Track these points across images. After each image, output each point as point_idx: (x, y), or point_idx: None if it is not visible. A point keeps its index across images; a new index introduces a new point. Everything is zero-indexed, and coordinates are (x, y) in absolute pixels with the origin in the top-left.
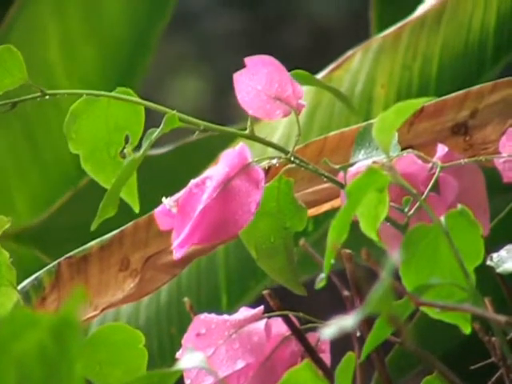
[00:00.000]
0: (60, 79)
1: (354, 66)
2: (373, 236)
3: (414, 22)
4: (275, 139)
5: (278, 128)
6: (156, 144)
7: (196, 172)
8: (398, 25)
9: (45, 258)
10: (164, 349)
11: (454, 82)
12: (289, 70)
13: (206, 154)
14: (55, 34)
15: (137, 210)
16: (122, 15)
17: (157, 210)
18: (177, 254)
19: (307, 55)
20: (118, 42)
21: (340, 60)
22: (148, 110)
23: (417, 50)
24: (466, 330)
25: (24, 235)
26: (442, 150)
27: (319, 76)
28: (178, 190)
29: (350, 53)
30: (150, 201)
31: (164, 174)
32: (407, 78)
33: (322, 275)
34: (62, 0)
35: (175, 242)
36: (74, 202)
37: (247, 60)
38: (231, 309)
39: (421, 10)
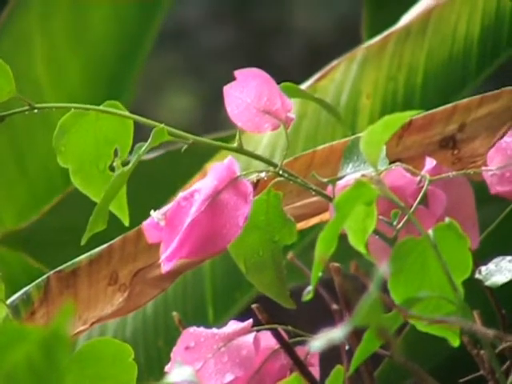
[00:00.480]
0: (46, 93)
1: (339, 76)
2: (361, 249)
3: (398, 32)
4: (260, 149)
5: (263, 138)
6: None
7: (185, 177)
8: (383, 35)
9: (32, 261)
10: (151, 361)
11: (438, 92)
12: (278, 84)
13: (195, 160)
14: (41, 49)
15: (126, 223)
16: (109, 30)
17: (145, 223)
18: (165, 267)
19: (297, 70)
20: (104, 57)
21: (325, 70)
22: (138, 124)
23: (402, 60)
24: (455, 343)
25: (11, 238)
26: (430, 163)
27: (304, 86)
28: (167, 195)
29: (334, 63)
30: (139, 206)
31: (153, 179)
32: (392, 88)
33: (310, 288)
34: (48, 14)
35: (163, 255)
36: (63, 205)
37: (237, 73)
38: (218, 321)
39: (405, 20)
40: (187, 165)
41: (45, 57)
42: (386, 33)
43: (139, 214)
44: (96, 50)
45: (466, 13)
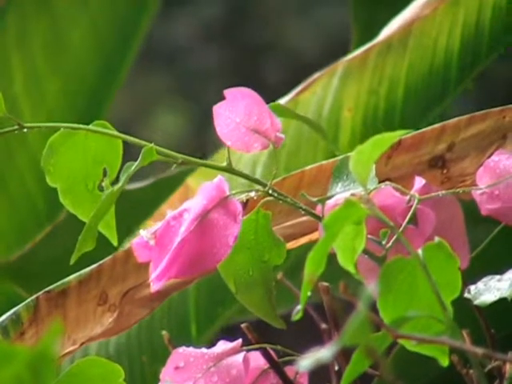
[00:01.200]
0: (24, 112)
1: (320, 90)
2: (350, 269)
3: (380, 45)
4: (241, 165)
5: (243, 155)
6: (134, 178)
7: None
8: (364, 48)
9: (23, 292)
10: (134, 377)
11: (419, 105)
12: (268, 103)
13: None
14: (19, 67)
15: (115, 243)
16: (88, 48)
17: (134, 242)
18: (154, 287)
19: (287, 90)
20: (82, 76)
21: (306, 83)
22: (127, 145)
23: (383, 74)
24: (444, 362)
25: (1, 270)
26: (419, 182)
27: (286, 99)
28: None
29: (316, 76)
30: (128, 234)
31: (142, 208)
32: (374, 101)
33: (299, 307)
34: (27, 33)
35: (153, 274)
36: (52, 236)
37: (226, 92)
38: (201, 336)
39: (386, 33)
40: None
41: (23, 75)
42: (366, 46)
43: (127, 241)
44: (75, 68)
45: (447, 26)
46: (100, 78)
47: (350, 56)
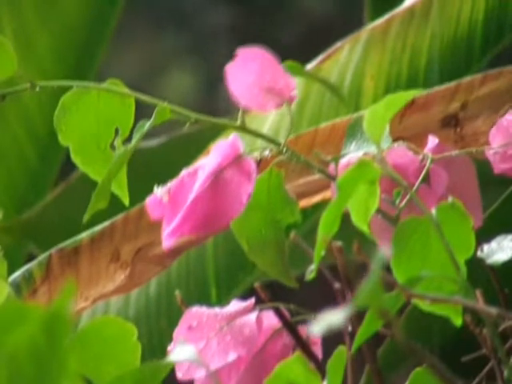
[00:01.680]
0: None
1: (342, 58)
2: (364, 228)
3: (402, 13)
4: (265, 130)
5: (268, 119)
6: (147, 137)
7: (187, 165)
8: (387, 16)
9: (36, 251)
10: (153, 342)
11: (442, 74)
12: (281, 63)
13: (197, 148)
14: (9, 23)
15: (126, 202)
16: (78, 1)
17: (148, 200)
18: (166, 244)
19: (299, 50)
20: (72, 29)
21: (329, 51)
22: (139, 106)
23: (406, 42)
24: (457, 322)
25: (15, 229)
26: (432, 141)
27: (308, 67)
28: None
29: (338, 44)
30: (141, 194)
31: (155, 168)
32: (396, 69)
33: (312, 267)
34: None
35: (165, 231)
36: (65, 195)
37: (239, 52)
38: (221, 301)
39: (409, 1)
40: (189, 153)
41: (12, 31)
42: (390, 14)
43: (140, 203)
44: (65, 22)
45: None
46: (90, 31)
47: (372, 24)
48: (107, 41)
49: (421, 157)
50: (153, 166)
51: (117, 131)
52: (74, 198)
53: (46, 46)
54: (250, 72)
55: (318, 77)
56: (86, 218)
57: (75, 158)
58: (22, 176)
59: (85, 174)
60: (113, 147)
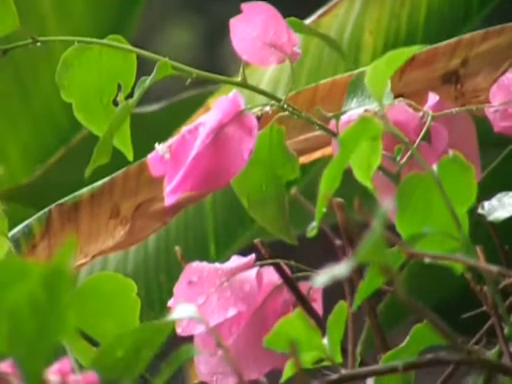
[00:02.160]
0: (52, 32)
1: (342, 13)
2: (367, 184)
3: None
4: (263, 84)
5: (266, 73)
6: (149, 102)
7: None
8: None
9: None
10: (152, 296)
11: (441, 29)
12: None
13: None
14: None
15: (130, 157)
16: None
17: (149, 156)
18: (168, 200)
19: (298, 5)
20: None
21: (328, 6)
22: (140, 63)
23: None
24: (458, 271)
25: (17, 193)
26: (433, 98)
27: (307, 21)
28: None
29: None
30: (142, 157)
31: (157, 132)
32: (395, 24)
33: (314, 224)
34: None
35: (167, 188)
36: (67, 159)
37: (244, 6)
38: (219, 256)
39: None
40: (190, 117)
41: None
42: None
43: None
44: None
45: None
46: None
47: None
48: (141, 6)
49: (421, 114)
50: (154, 131)
51: (119, 87)
52: (75, 161)
53: (82, 10)
54: (254, 26)
55: (318, 32)
56: (87, 172)
57: (78, 115)
58: (53, 139)
59: (86, 137)
60: (115, 103)
